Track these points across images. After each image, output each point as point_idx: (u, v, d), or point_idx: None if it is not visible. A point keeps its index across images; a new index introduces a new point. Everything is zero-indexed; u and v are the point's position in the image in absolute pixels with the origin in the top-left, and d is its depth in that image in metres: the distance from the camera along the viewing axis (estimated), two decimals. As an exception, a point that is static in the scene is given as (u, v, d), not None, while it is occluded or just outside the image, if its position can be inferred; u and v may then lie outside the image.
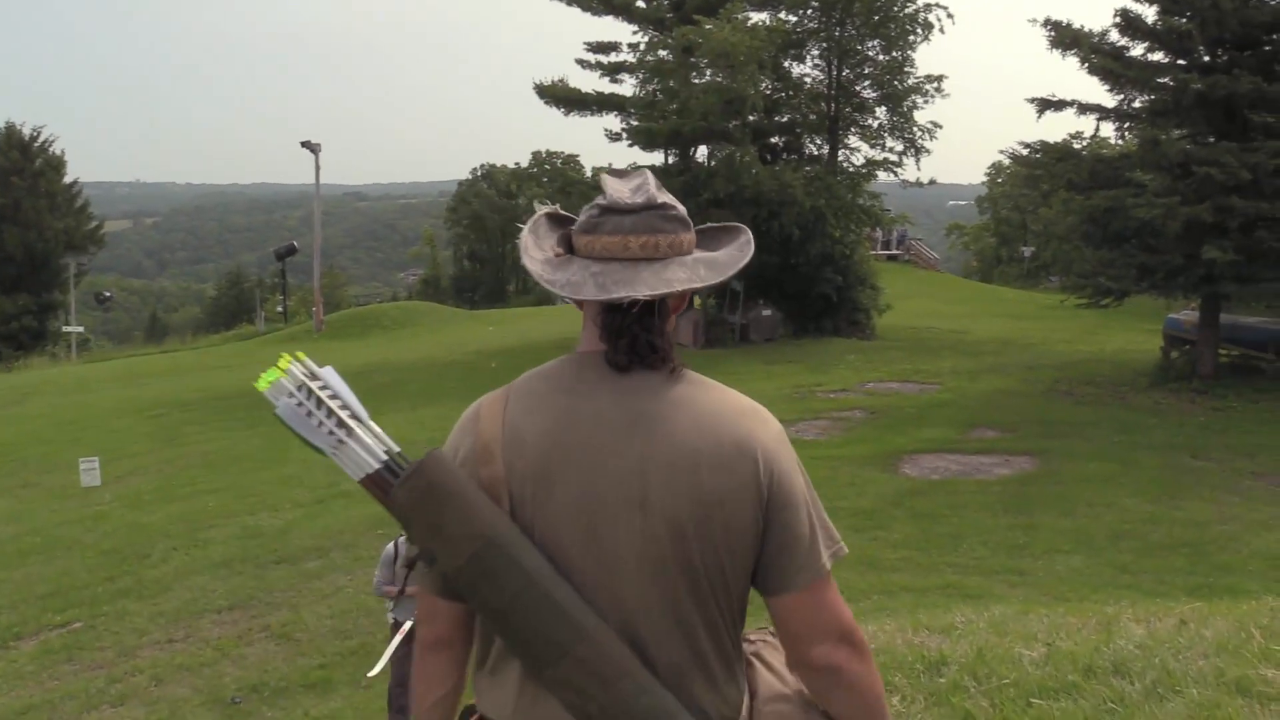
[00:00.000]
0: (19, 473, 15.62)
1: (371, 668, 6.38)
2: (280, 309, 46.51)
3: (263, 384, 1.51)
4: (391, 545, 6.24)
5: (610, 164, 47.87)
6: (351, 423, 1.51)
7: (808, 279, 24.17)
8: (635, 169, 1.59)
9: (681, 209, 1.52)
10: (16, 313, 44.86)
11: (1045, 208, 37.48)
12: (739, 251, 1.57)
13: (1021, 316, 29.62)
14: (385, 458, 1.51)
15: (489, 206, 68.74)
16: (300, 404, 1.49)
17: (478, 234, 69.42)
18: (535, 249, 1.55)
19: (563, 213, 1.63)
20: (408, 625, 6.09)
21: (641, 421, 1.45)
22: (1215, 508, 10.14)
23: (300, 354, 1.54)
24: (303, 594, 9.18)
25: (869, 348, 22.74)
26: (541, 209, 1.64)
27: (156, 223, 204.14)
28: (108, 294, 63.93)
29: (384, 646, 6.19)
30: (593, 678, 1.40)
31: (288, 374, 1.50)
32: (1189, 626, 4.41)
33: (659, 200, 1.49)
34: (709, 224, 1.64)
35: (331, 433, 1.50)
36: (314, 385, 1.51)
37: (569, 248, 1.52)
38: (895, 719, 3.56)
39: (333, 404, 1.51)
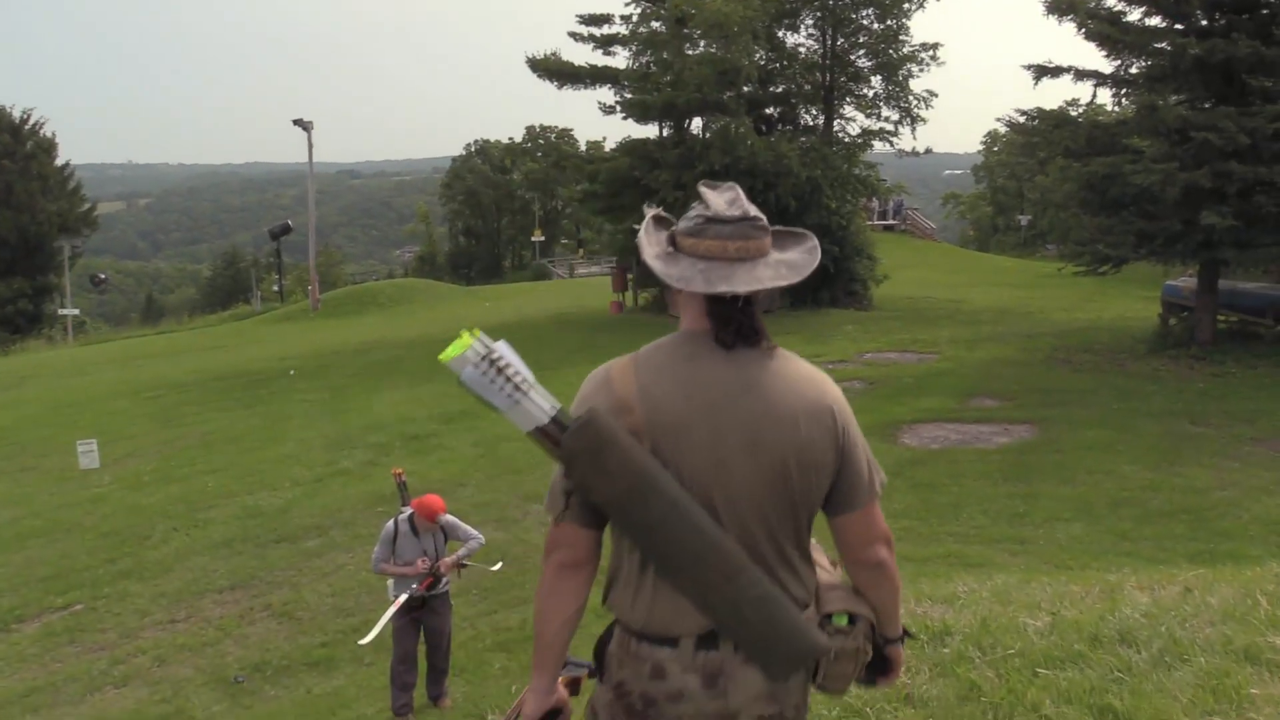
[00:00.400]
0: (17, 456, 15.60)
1: (364, 636, 6.41)
2: (276, 288, 46.40)
3: (446, 356, 1.86)
4: (391, 523, 6.21)
5: (604, 137, 47.49)
6: (524, 386, 1.87)
7: (805, 250, 24.06)
8: (726, 184, 1.99)
9: (764, 218, 1.94)
10: (11, 296, 44.75)
11: (1042, 175, 37.35)
12: (808, 255, 2.00)
13: (1019, 285, 29.56)
14: (552, 413, 1.88)
15: (483, 182, 68.37)
16: (484, 373, 1.84)
17: (473, 210, 69.05)
18: (649, 245, 1.99)
19: (663, 214, 2.07)
20: (402, 598, 6.09)
21: (750, 386, 1.90)
22: (1215, 474, 10.13)
23: (477, 330, 1.88)
24: (303, 572, 9.19)
25: (867, 318, 22.70)
26: (650, 211, 2.07)
27: (150, 204, 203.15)
28: (103, 276, 63.71)
29: (387, 626, 6.18)
30: (719, 575, 1.85)
31: (470, 348, 1.85)
32: (1194, 594, 4.40)
33: (751, 213, 1.92)
34: (778, 227, 2.02)
35: (510, 395, 1.86)
36: (492, 357, 1.85)
37: (673, 244, 1.96)
38: (899, 690, 3.55)
39: (507, 371, 1.86)
